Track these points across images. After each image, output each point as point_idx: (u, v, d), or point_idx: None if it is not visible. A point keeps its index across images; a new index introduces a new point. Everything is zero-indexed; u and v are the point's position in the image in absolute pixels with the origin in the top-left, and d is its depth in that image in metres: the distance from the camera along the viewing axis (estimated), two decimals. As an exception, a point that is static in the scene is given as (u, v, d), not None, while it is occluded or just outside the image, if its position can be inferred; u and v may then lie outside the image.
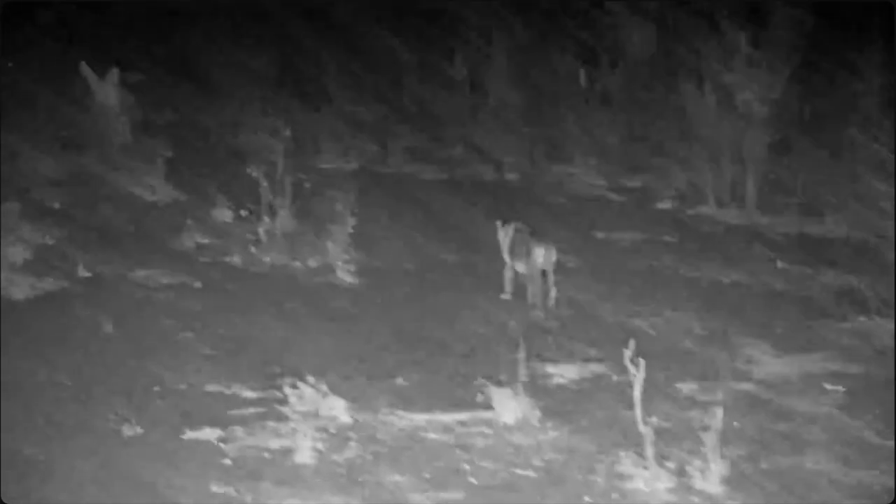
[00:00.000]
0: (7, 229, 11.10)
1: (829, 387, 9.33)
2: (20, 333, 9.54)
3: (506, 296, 11.06)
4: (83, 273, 10.98)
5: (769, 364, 9.63)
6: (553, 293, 10.85)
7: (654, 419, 8.15)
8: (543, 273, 10.79)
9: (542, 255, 10.75)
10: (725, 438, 7.79)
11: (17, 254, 11.26)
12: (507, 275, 11.09)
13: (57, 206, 12.84)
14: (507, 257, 11.10)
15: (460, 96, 17.44)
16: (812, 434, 8.52)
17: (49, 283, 10.71)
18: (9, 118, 15.27)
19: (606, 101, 16.30)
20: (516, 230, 11.08)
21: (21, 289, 10.53)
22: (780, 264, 12.20)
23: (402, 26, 23.64)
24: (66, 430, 7.96)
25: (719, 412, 7.90)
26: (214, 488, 7.55)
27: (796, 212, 13.92)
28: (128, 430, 7.94)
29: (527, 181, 15.51)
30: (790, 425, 8.64)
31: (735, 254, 12.62)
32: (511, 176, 15.67)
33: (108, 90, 13.94)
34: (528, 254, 10.81)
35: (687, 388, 9.08)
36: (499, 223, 11.29)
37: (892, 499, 7.97)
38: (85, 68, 14.22)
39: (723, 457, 7.68)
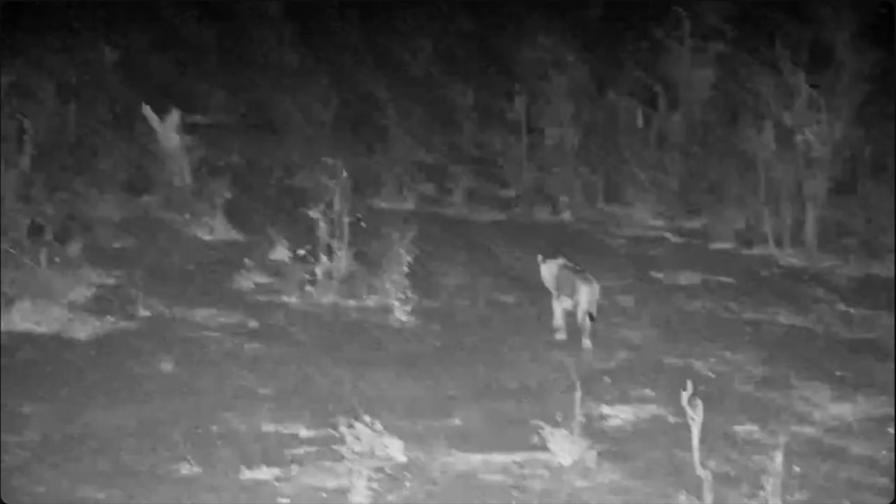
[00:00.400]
0: (70, 269, 11.22)
1: (891, 430, 9.19)
2: (82, 372, 9.62)
3: (560, 335, 11.10)
4: (143, 312, 11.07)
5: (830, 407, 9.50)
6: (587, 335, 10.84)
7: (712, 462, 8.06)
8: (590, 315, 10.82)
9: (587, 294, 10.77)
10: (786, 482, 7.67)
11: (80, 293, 11.40)
12: (557, 312, 11.13)
13: (118, 246, 12.98)
14: (554, 292, 11.14)
15: (518, 137, 17.47)
16: (874, 478, 8.38)
17: (110, 323, 10.81)
18: (73, 160, 15.51)
19: (664, 141, 16.26)
20: (562, 266, 11.11)
21: (83, 328, 10.63)
22: (841, 307, 12.07)
23: (460, 68, 23.79)
24: (124, 468, 8.00)
25: (779, 456, 7.80)
26: (271, 527, 7.57)
27: (857, 253, 13.77)
28: (186, 469, 7.96)
29: (583, 221, 15.48)
30: (851, 469, 8.51)
31: (794, 295, 12.49)
32: (567, 216, 15.65)
33: (169, 132, 14.09)
34: (574, 292, 10.82)
35: (745, 431, 8.97)
36: (540, 258, 11.37)
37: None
38: (147, 110, 14.38)
39: (784, 502, 7.56)
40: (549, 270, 11.12)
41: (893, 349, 10.76)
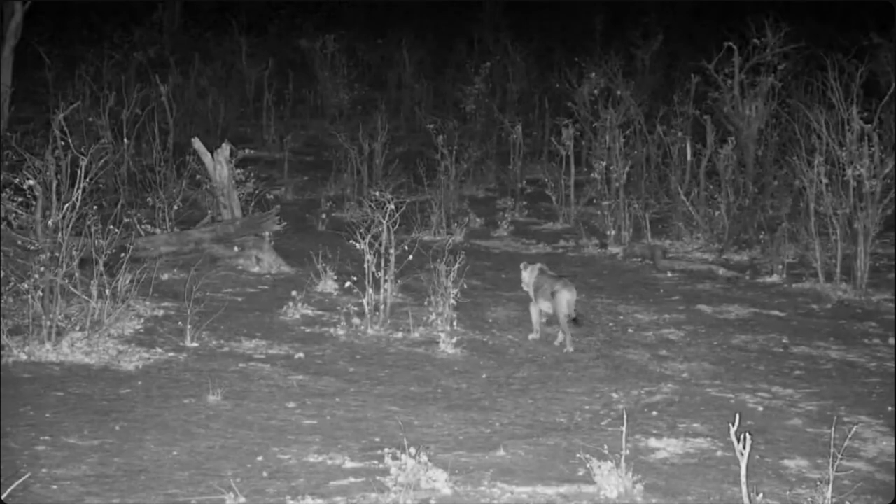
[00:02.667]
0: (120, 302, 11.33)
1: (944, 466, 9.04)
2: (133, 405, 9.68)
3: (534, 335, 11.81)
4: (191, 344, 11.15)
5: (881, 442, 9.37)
6: (569, 338, 11.48)
7: (760, 497, 7.97)
8: (569, 317, 11.46)
9: (565, 298, 11.39)
10: (835, 518, 7.58)
11: (129, 325, 11.49)
12: (534, 314, 11.84)
13: (167, 278, 13.10)
14: (532, 297, 11.80)
15: (565, 171, 17.49)
16: (926, 515, 8.25)
17: (158, 355, 10.88)
18: (125, 193, 15.71)
19: (714, 175, 16.22)
20: (540, 271, 11.81)
21: (132, 360, 10.71)
22: (892, 340, 11.95)
23: (510, 103, 23.92)
24: (170, 500, 8.02)
25: (828, 491, 7.70)
26: (314, 558, 7.56)
27: (909, 288, 13.65)
28: (231, 500, 7.97)
29: (631, 255, 15.46)
30: (903, 505, 8.38)
31: (845, 329, 12.38)
32: (615, 249, 15.64)
33: (219, 165, 14.21)
34: (553, 296, 11.48)
35: (795, 465, 8.87)
36: (523, 265, 12.13)
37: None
38: (197, 143, 14.52)
39: (833, 538, 7.46)
40: (529, 276, 11.81)
41: None
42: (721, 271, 14.49)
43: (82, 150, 11.66)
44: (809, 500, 8.05)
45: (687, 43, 27.15)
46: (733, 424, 7.59)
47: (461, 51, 27.36)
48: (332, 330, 11.78)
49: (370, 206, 12.51)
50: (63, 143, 11.66)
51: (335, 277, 12.98)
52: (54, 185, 11.25)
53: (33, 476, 8.11)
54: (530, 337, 11.80)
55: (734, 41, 16.95)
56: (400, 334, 11.71)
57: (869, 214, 13.77)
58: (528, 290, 11.95)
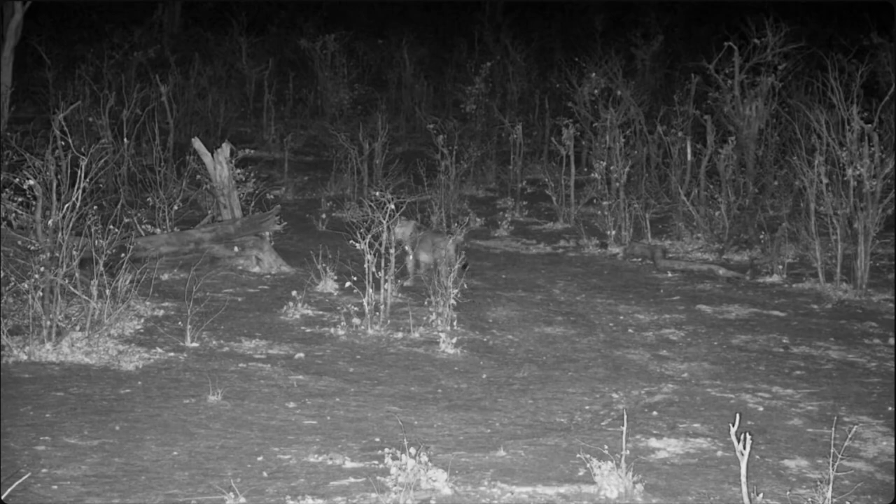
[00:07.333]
0: (120, 302, 11.33)
1: (945, 466, 9.03)
2: (133, 405, 9.68)
3: (409, 283, 13.19)
4: (191, 344, 11.15)
5: (881, 442, 9.37)
6: (462, 281, 12.46)
7: (760, 497, 7.97)
8: (464, 266, 12.69)
9: (451, 247, 12.83)
10: (835, 518, 7.58)
11: (129, 326, 11.49)
12: (410, 264, 13.27)
13: (167, 278, 13.11)
14: (409, 249, 13.12)
15: (566, 171, 17.49)
16: (926, 515, 8.24)
17: (158, 355, 10.88)
18: (125, 193, 15.71)
19: (714, 175, 16.22)
20: (416, 228, 13.12)
21: (132, 360, 10.71)
22: (892, 340, 11.95)
23: (510, 103, 23.93)
24: (170, 500, 8.02)
25: (828, 491, 7.70)
26: (314, 559, 7.54)
27: (910, 288, 13.64)
28: (231, 500, 7.97)
29: (632, 255, 15.45)
30: (903, 505, 8.38)
31: (845, 329, 12.38)
32: (615, 249, 15.64)
33: (219, 165, 14.21)
34: (434, 247, 12.86)
35: (795, 465, 8.87)
36: (394, 222, 13.02)
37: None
38: (197, 143, 14.52)
39: (833, 537, 7.46)
40: (402, 232, 12.97)
41: None
42: (721, 271, 14.51)
43: (82, 150, 11.65)
44: (809, 500, 8.06)
45: (687, 43, 27.17)
46: (733, 424, 7.59)
47: (461, 51, 27.38)
48: (332, 330, 11.78)
49: (370, 206, 12.51)
50: (63, 143, 11.66)
51: (335, 277, 12.99)
52: (54, 185, 11.24)
53: (33, 476, 8.12)
54: (405, 284, 13.12)
55: (734, 41, 16.95)
56: (400, 334, 11.71)
57: (869, 214, 13.76)
58: (403, 245, 13.00)
